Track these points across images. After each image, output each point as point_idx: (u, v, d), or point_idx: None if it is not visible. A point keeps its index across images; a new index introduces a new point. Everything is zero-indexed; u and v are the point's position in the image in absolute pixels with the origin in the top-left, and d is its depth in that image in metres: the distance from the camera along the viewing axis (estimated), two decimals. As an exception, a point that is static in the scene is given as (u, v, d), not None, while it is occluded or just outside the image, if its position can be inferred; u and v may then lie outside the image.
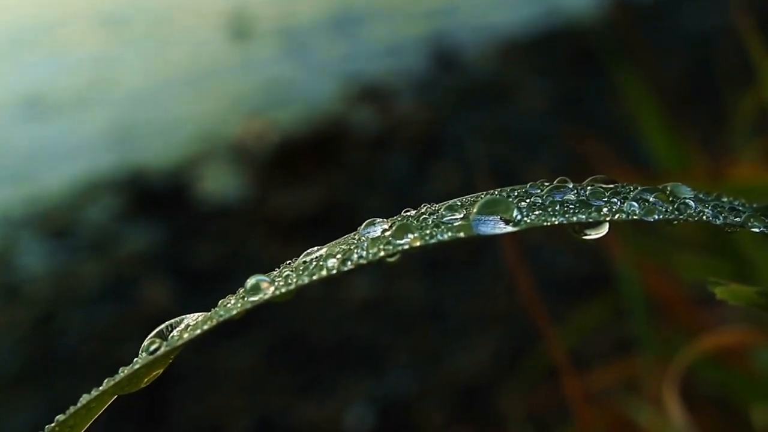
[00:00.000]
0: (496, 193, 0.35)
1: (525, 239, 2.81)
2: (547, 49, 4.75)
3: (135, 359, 0.35)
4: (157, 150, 4.13)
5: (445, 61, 4.91)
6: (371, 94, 4.52)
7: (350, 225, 0.36)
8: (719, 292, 0.40)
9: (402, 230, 0.33)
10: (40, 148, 4.29)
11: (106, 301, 3.00)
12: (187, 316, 0.36)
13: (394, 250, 0.32)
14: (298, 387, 2.48)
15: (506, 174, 3.31)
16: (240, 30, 5.56)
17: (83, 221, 3.61)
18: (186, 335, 0.34)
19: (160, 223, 3.49)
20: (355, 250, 0.33)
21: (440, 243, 0.31)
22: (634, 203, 0.34)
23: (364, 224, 0.34)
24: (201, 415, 2.41)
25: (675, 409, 0.92)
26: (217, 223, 3.45)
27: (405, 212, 0.35)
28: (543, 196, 0.35)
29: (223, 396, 2.48)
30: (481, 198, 0.34)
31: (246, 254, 3.18)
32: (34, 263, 3.33)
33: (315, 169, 3.76)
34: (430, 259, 2.95)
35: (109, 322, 2.87)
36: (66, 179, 3.92)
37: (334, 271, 0.32)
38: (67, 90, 4.96)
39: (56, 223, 3.58)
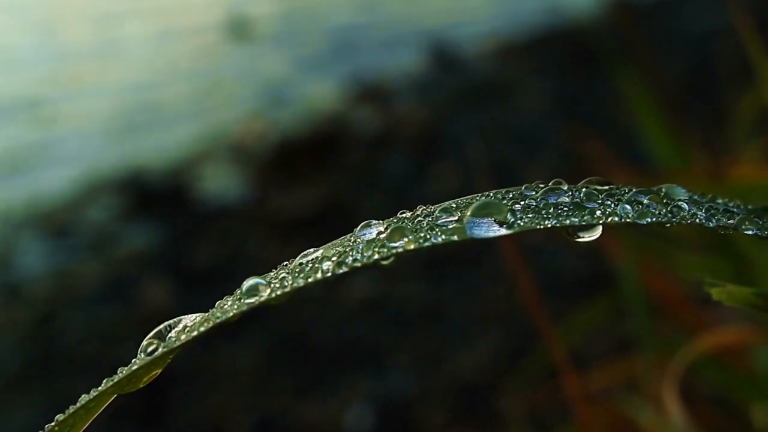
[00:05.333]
0: (491, 195, 0.35)
1: (526, 240, 2.81)
2: (547, 49, 4.75)
3: (133, 360, 0.35)
4: (157, 150, 4.14)
5: (445, 61, 4.91)
6: (371, 94, 4.52)
7: (350, 225, 0.36)
8: (715, 293, 0.40)
9: (397, 233, 0.33)
10: (40, 148, 4.29)
11: (106, 301, 3.00)
12: (185, 316, 0.37)
13: (389, 253, 0.32)
14: (299, 387, 2.48)
15: (506, 174, 3.31)
16: (240, 30, 5.56)
17: (83, 221, 3.61)
18: (183, 336, 0.34)
19: (160, 223, 3.49)
20: (351, 253, 0.33)
21: (434, 246, 0.31)
22: (627, 206, 0.34)
23: (360, 226, 0.34)
24: (201, 416, 2.41)
25: (675, 409, 0.92)
26: (216, 223, 3.45)
27: (400, 214, 0.35)
28: (537, 198, 0.35)
29: (223, 396, 2.48)
30: (476, 200, 0.34)
31: (245, 254, 3.18)
32: (34, 263, 3.33)
33: (315, 169, 3.76)
34: (431, 259, 2.95)
35: (109, 322, 2.87)
36: (66, 178, 3.92)
37: (329, 274, 0.32)
38: (67, 87, 4.96)
39: (56, 223, 3.58)
